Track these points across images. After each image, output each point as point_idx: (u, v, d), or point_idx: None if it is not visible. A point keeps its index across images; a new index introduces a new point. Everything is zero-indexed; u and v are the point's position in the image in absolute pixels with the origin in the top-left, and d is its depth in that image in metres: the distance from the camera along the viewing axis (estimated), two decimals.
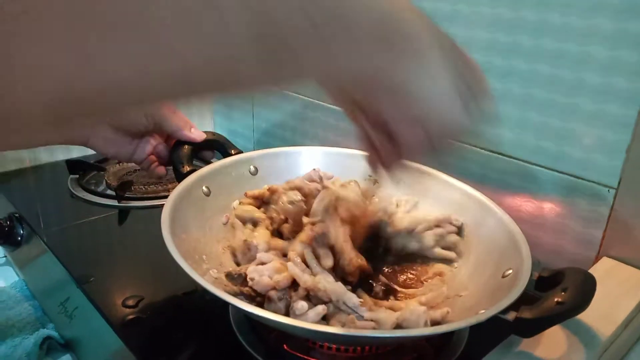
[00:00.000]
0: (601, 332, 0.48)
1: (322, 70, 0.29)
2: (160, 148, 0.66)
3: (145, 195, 0.83)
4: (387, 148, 0.36)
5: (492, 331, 0.46)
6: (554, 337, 0.47)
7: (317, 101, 0.90)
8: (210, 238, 0.57)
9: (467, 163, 0.70)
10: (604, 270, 0.57)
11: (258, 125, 1.07)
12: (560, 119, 0.59)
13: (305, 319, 0.44)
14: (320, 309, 0.45)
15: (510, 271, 0.49)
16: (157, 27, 0.22)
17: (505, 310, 0.41)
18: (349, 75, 0.31)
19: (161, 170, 0.66)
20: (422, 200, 0.65)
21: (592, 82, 0.56)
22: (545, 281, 0.48)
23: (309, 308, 0.45)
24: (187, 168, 0.62)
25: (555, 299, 0.42)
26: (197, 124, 1.20)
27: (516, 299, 0.42)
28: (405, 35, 0.31)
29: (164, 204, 0.53)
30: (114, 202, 0.81)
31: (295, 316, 0.45)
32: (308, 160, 0.70)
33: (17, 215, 0.77)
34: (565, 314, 0.42)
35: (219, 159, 0.67)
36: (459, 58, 0.34)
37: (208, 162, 0.64)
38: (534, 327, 0.42)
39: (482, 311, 0.42)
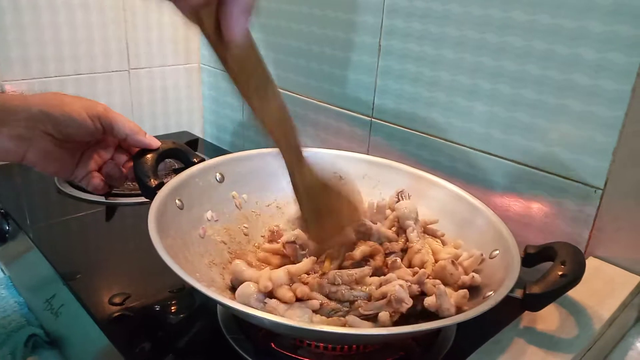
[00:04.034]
0: (587, 330, 0.48)
1: None
2: (110, 167, 0.57)
3: (132, 192, 0.83)
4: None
5: (478, 329, 0.47)
6: (540, 334, 0.48)
7: (307, 99, 0.90)
8: (194, 254, 0.55)
9: (456, 162, 0.70)
10: (590, 270, 0.56)
11: (248, 122, 1.06)
12: (548, 119, 0.60)
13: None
14: None
15: (497, 251, 0.52)
16: None
17: (511, 290, 0.44)
18: None
19: (96, 181, 0.57)
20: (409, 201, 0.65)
21: (581, 83, 0.56)
22: (533, 257, 0.51)
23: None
24: (154, 182, 0.55)
25: (559, 273, 0.45)
26: (186, 121, 1.20)
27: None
28: None
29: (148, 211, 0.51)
30: (101, 199, 0.80)
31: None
32: (274, 163, 0.68)
33: (2, 211, 0.76)
34: (570, 284, 0.45)
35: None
36: None
37: (168, 174, 0.60)
38: (543, 301, 0.45)
39: (490, 293, 0.45)
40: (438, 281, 0.49)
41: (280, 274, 0.48)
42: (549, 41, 0.58)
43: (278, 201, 0.65)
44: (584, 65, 0.56)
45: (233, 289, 0.52)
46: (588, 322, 0.49)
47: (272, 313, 0.45)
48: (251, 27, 0.38)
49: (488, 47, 0.63)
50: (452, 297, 0.47)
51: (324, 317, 0.47)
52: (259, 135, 1.05)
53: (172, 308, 0.57)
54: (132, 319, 0.55)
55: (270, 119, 0.43)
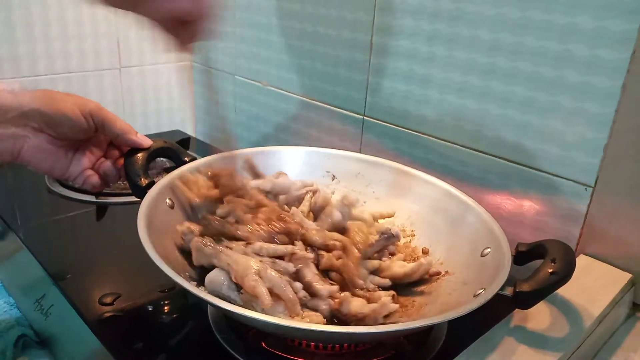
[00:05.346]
0: (577, 328, 0.48)
1: None
2: (106, 166, 0.58)
3: (123, 192, 0.82)
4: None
5: (469, 327, 0.47)
6: (530, 332, 0.48)
7: (299, 97, 0.90)
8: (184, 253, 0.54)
9: (448, 160, 0.70)
10: (580, 268, 0.56)
11: (240, 120, 1.06)
12: (540, 116, 0.60)
13: None
14: None
15: (489, 249, 0.52)
16: None
17: (502, 287, 0.45)
18: None
19: (94, 179, 0.57)
20: (402, 199, 0.65)
21: (572, 80, 0.56)
22: (524, 255, 0.51)
23: None
24: (144, 181, 0.55)
25: (549, 270, 0.45)
26: (178, 119, 1.20)
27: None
28: None
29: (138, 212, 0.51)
30: (92, 198, 0.80)
31: None
32: (266, 161, 0.68)
33: None
34: (560, 282, 0.45)
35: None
36: None
37: (160, 173, 0.60)
38: (533, 299, 0.45)
39: (480, 291, 0.45)
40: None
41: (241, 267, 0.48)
42: (541, 38, 0.58)
43: None
44: (575, 61, 0.56)
45: None
46: (578, 319, 0.49)
47: (248, 305, 0.46)
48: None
49: (480, 44, 0.63)
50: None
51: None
52: (250, 133, 1.04)
53: (163, 308, 0.57)
54: (123, 319, 0.54)
55: None
